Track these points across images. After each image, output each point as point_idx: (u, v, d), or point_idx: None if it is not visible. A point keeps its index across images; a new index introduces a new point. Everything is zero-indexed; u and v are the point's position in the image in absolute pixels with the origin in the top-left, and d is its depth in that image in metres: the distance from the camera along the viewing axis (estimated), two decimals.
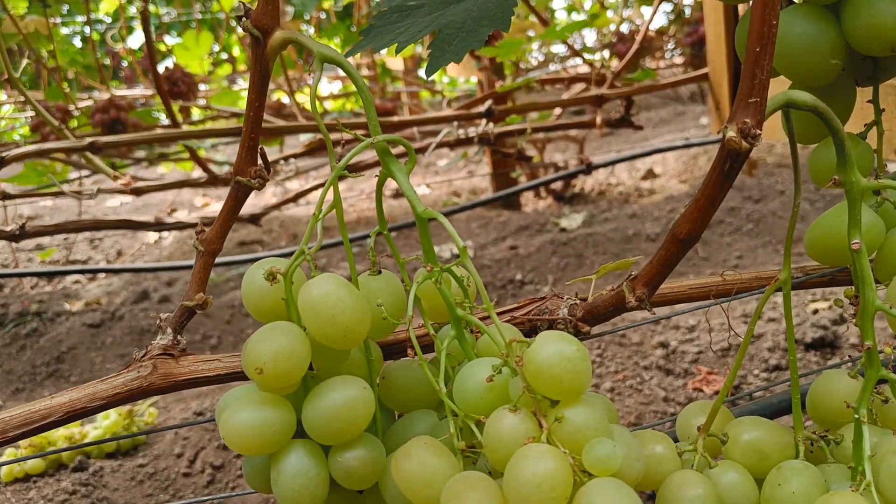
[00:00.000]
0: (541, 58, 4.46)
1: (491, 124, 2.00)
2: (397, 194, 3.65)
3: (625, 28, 3.52)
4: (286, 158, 2.13)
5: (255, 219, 2.05)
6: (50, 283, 2.88)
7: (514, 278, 2.28)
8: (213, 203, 4.05)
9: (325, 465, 0.50)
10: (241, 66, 4.22)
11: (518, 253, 2.46)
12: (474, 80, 3.55)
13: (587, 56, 3.10)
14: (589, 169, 2.07)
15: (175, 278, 2.65)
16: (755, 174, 2.93)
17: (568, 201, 3.33)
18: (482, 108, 1.96)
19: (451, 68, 3.36)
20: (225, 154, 3.61)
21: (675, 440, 0.56)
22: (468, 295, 0.53)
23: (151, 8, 4.13)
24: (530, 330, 0.59)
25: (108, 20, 4.24)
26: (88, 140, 1.64)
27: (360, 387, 0.49)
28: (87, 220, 1.88)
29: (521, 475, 0.42)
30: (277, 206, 2.22)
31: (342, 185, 4.03)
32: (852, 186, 0.49)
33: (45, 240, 3.14)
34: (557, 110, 2.54)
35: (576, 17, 4.40)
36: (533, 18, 2.66)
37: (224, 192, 0.60)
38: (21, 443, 1.46)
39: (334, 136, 1.72)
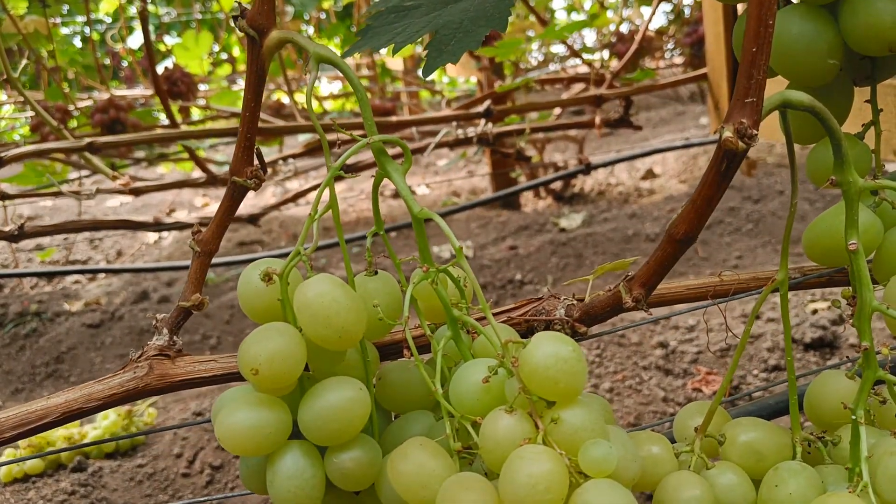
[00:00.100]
0: (540, 58, 4.46)
1: (490, 124, 2.00)
2: (397, 194, 3.63)
3: (624, 28, 3.52)
4: (285, 158, 2.13)
5: (254, 219, 2.05)
6: (50, 284, 2.88)
7: (513, 278, 2.28)
8: (212, 203, 4.06)
9: (321, 466, 0.50)
10: (241, 67, 4.22)
11: (518, 253, 2.46)
12: (474, 80, 3.55)
13: (587, 56, 3.10)
14: (588, 169, 2.07)
15: (175, 278, 2.65)
16: (755, 174, 2.93)
17: (567, 201, 3.33)
18: (481, 109, 1.96)
19: (451, 68, 3.36)
20: (224, 154, 3.61)
21: (673, 441, 0.56)
22: (464, 295, 0.53)
23: (151, 8, 4.13)
24: (527, 330, 0.59)
25: (108, 20, 4.24)
26: (87, 140, 1.64)
27: (357, 388, 0.49)
28: (86, 221, 1.88)
29: (517, 476, 0.42)
30: (277, 207, 2.21)
31: (342, 186, 4.03)
32: (849, 187, 0.49)
33: (45, 240, 3.14)
34: (557, 110, 2.54)
35: (575, 17, 4.40)
36: (532, 18, 2.66)
37: (224, 192, 0.60)
38: (20, 443, 1.46)
39: (332, 136, 1.72)
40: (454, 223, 3.01)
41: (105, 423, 1.52)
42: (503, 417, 0.44)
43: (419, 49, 3.52)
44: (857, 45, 0.55)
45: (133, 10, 3.71)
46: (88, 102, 2.89)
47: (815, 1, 0.56)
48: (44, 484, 1.43)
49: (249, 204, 3.45)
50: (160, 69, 2.65)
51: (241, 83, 3.66)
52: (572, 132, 3.10)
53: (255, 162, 0.56)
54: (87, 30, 3.76)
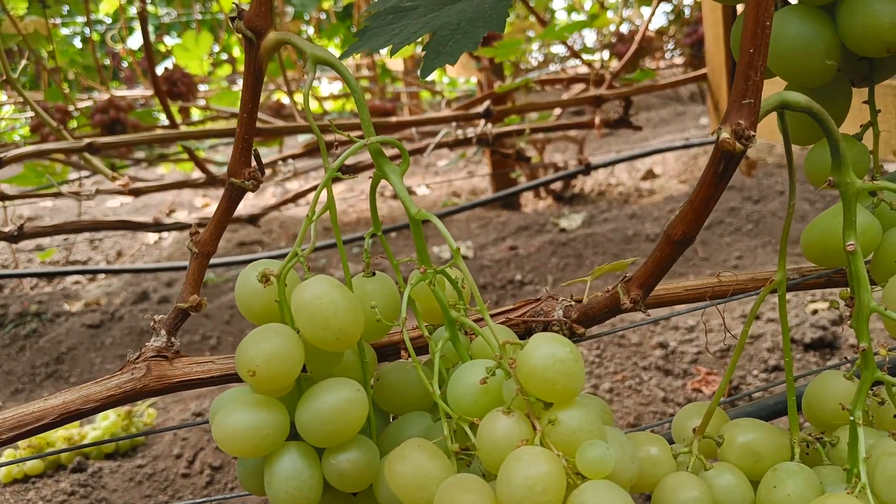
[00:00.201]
0: (540, 58, 4.46)
1: (490, 125, 2.00)
2: (397, 194, 3.64)
3: (624, 28, 3.52)
4: (285, 159, 2.13)
5: (254, 219, 2.05)
6: (50, 284, 2.89)
7: (513, 279, 2.28)
8: (212, 204, 4.06)
9: (318, 467, 0.50)
10: (241, 67, 4.21)
11: (518, 253, 2.46)
12: (474, 80, 3.55)
13: (586, 56, 3.10)
14: (588, 169, 2.07)
15: (175, 279, 2.65)
16: (755, 175, 2.93)
17: (567, 202, 3.33)
18: (481, 109, 1.96)
19: (451, 69, 3.36)
20: (224, 155, 3.62)
21: (672, 442, 0.56)
22: (462, 296, 0.53)
23: (151, 9, 4.13)
24: (525, 332, 0.59)
25: (108, 21, 4.24)
26: (87, 141, 1.64)
27: (354, 389, 0.49)
28: (86, 221, 1.88)
29: (515, 478, 0.42)
30: (276, 207, 2.21)
31: (342, 186, 4.03)
32: (847, 188, 0.49)
33: (45, 240, 3.14)
34: (557, 111, 2.54)
35: (575, 17, 4.40)
36: (532, 19, 2.66)
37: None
38: (20, 443, 1.46)
39: (331, 137, 1.72)
40: (454, 223, 3.00)
41: (105, 423, 1.52)
42: (501, 419, 0.44)
43: (419, 49, 3.52)
44: (855, 46, 0.55)
45: (133, 11, 3.71)
46: (88, 103, 2.89)
47: (813, 2, 0.56)
48: (43, 484, 1.44)
49: (249, 204, 3.45)
50: (160, 70, 2.65)
51: (241, 84, 3.66)
52: (572, 132, 3.10)
53: (253, 163, 0.56)
54: (86, 30, 3.76)
